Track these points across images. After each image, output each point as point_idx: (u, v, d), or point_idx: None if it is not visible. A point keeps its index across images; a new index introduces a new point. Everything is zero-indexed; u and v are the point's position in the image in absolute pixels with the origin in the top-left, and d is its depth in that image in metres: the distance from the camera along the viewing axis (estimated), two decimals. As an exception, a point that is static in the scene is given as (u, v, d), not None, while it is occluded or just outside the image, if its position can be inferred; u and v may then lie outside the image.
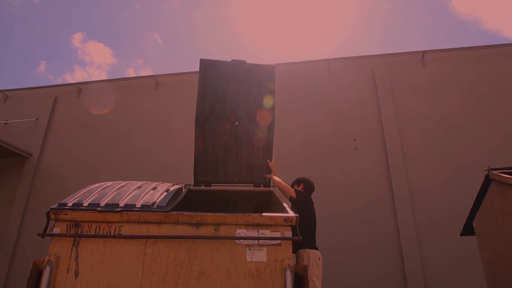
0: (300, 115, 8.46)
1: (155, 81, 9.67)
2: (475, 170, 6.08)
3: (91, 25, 36.09)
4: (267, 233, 2.50)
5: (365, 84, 8.59)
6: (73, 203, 2.63)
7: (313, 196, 4.18)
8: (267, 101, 4.13)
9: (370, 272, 6.75)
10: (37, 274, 2.43)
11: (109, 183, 3.17)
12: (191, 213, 2.56)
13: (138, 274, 2.40)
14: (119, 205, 2.62)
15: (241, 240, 2.48)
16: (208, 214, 2.55)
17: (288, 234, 2.51)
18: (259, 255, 2.45)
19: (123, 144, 9.02)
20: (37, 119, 9.73)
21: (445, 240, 6.68)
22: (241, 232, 2.50)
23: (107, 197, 2.74)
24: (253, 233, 2.50)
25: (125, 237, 2.49)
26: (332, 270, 6.14)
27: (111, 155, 8.94)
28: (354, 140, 7.99)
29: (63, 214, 2.53)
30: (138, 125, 9.21)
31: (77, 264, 2.43)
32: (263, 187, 4.35)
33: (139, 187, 3.10)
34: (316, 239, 3.81)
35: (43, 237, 2.50)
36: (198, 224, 2.53)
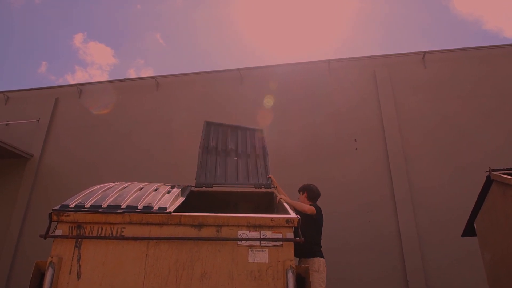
0: (301, 116, 8.47)
1: (155, 82, 9.69)
2: (477, 170, 6.08)
3: (92, 25, 36.14)
4: (269, 234, 2.51)
5: (366, 84, 8.59)
6: (75, 205, 2.63)
7: (314, 196, 4.20)
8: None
9: (371, 272, 6.75)
10: (39, 276, 2.44)
11: (111, 184, 3.17)
12: (193, 215, 2.56)
13: (140, 276, 2.41)
14: (121, 207, 2.63)
15: (243, 242, 2.48)
16: (210, 215, 2.56)
17: (290, 235, 2.52)
18: (261, 257, 2.46)
19: (124, 145, 9.03)
20: (38, 120, 9.75)
21: (446, 241, 6.68)
22: (243, 233, 2.51)
23: (109, 199, 2.75)
24: (255, 234, 2.51)
25: (127, 238, 2.49)
26: (333, 271, 6.13)
27: (112, 156, 8.95)
28: (355, 141, 8.00)
29: (65, 216, 2.54)
30: (139, 126, 9.22)
31: (80, 266, 2.44)
32: (264, 188, 4.36)
33: (141, 189, 3.10)
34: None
35: (45, 238, 2.51)
36: (200, 226, 2.53)
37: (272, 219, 2.54)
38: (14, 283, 7.99)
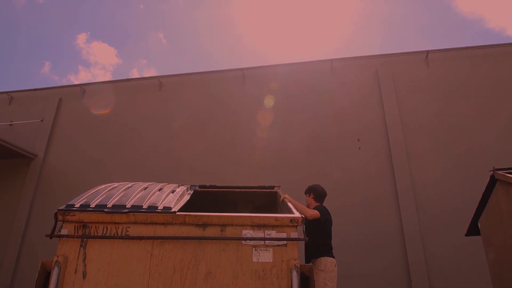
0: (303, 115, 8.47)
1: (158, 81, 9.71)
2: (480, 170, 6.07)
3: (95, 25, 36.24)
4: (273, 233, 2.51)
5: (368, 84, 8.58)
6: (81, 204, 2.65)
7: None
8: None
9: (374, 269, 6.74)
10: (45, 275, 2.46)
11: (116, 184, 3.19)
12: (197, 214, 2.57)
13: (145, 275, 2.42)
14: (126, 206, 2.64)
15: (247, 241, 2.49)
16: (214, 215, 2.57)
17: (294, 234, 2.52)
18: (265, 256, 2.47)
19: (128, 145, 9.06)
20: (42, 120, 9.79)
21: (449, 238, 6.67)
22: (247, 233, 2.52)
23: (114, 198, 2.76)
24: (259, 233, 2.51)
25: (132, 238, 2.51)
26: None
27: (116, 155, 8.98)
28: (358, 140, 7.99)
29: (70, 215, 2.56)
30: (141, 126, 9.24)
31: (85, 265, 2.45)
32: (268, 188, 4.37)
33: (145, 188, 3.12)
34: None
35: (51, 238, 2.53)
36: (204, 225, 2.54)
37: (276, 218, 2.55)
38: (18, 283, 8.04)
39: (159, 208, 2.65)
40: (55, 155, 9.37)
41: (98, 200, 2.73)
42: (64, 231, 2.53)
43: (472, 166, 7.11)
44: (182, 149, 8.61)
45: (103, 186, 3.10)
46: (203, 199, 4.21)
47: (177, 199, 2.99)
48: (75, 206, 2.63)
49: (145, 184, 3.26)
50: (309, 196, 4.19)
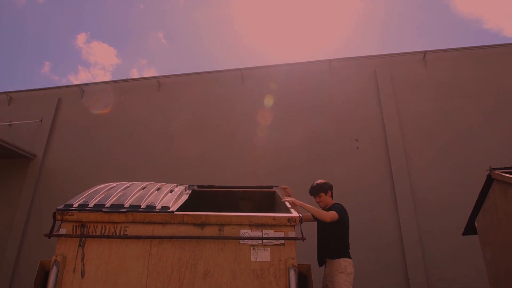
0: (302, 115, 8.49)
1: (157, 82, 9.72)
2: (477, 169, 6.09)
3: (95, 25, 36.23)
4: (271, 233, 2.53)
5: (367, 84, 8.60)
6: (79, 204, 2.66)
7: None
8: None
9: (372, 270, 6.76)
10: (44, 274, 2.47)
11: (114, 184, 3.20)
12: (195, 214, 2.58)
13: (144, 274, 2.43)
14: (124, 206, 2.65)
15: (245, 240, 2.50)
16: (212, 214, 2.58)
17: (292, 234, 2.53)
18: (263, 255, 2.48)
19: (127, 145, 9.08)
20: (41, 120, 9.80)
21: (447, 239, 6.69)
22: (245, 232, 2.53)
23: (113, 198, 2.77)
24: (257, 233, 2.53)
25: (131, 237, 2.52)
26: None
27: (115, 156, 8.99)
28: (356, 140, 8.01)
29: (69, 215, 2.57)
30: (141, 126, 9.26)
31: (83, 264, 2.46)
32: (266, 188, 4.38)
33: (143, 188, 3.13)
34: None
35: (49, 237, 2.53)
36: (202, 225, 2.55)
37: (274, 218, 2.56)
38: (17, 282, 8.04)
39: (157, 207, 2.66)
40: (55, 155, 9.38)
41: (97, 200, 2.74)
42: (62, 231, 2.54)
43: (470, 165, 7.14)
44: (182, 149, 8.63)
45: (102, 185, 3.11)
46: (202, 198, 4.22)
47: (175, 198, 3.00)
48: (74, 206, 2.64)
49: (143, 184, 3.27)
50: (326, 195, 3.99)
